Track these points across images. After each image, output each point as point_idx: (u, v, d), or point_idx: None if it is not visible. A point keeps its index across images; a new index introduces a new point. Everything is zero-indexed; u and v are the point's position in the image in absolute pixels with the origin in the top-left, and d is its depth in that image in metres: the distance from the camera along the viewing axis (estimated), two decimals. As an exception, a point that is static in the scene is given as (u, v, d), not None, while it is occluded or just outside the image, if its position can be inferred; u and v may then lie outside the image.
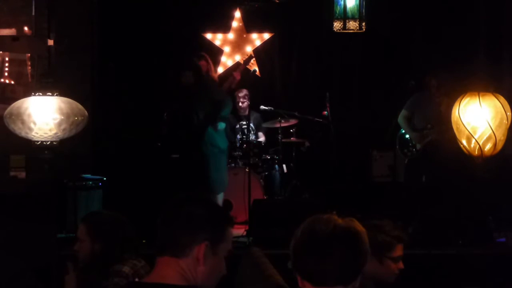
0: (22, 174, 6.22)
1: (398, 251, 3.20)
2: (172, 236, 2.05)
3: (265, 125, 8.04)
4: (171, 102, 7.24)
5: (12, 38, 6.64)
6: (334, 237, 2.00)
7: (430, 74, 6.89)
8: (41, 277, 4.76)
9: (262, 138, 8.11)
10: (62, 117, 4.47)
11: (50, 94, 4.53)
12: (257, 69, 8.40)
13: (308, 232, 2.04)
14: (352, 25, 5.95)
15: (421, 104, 6.86)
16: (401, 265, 3.22)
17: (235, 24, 8.87)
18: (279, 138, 7.78)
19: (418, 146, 6.81)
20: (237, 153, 7.58)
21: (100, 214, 3.40)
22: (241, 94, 8.00)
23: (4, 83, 6.84)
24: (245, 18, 8.86)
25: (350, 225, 2.05)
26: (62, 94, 4.62)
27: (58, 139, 4.55)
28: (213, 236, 2.06)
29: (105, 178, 6.79)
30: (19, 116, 4.42)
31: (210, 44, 8.82)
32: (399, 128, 7.03)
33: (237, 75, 7.09)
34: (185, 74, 6.65)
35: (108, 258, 3.12)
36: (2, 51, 6.77)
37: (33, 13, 6.66)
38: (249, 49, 8.87)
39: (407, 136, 6.95)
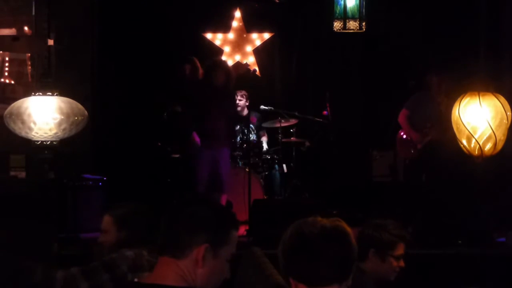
0: (22, 174, 6.22)
1: (400, 249, 3.30)
2: (173, 236, 2.04)
3: (265, 125, 8.01)
4: (171, 102, 7.24)
5: (12, 38, 6.65)
6: (324, 237, 2.02)
7: (431, 72, 6.90)
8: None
9: (264, 138, 8.09)
10: (62, 117, 4.48)
11: (50, 94, 4.54)
12: (257, 69, 8.38)
13: (297, 235, 2.05)
14: (352, 25, 5.95)
15: (422, 103, 6.85)
16: (402, 263, 3.30)
17: (235, 24, 8.87)
18: (279, 138, 7.77)
19: (418, 146, 6.80)
20: (237, 153, 7.57)
21: (124, 205, 3.48)
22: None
23: (4, 83, 6.84)
24: (245, 18, 8.86)
25: (337, 224, 2.07)
26: (62, 94, 4.64)
27: (58, 139, 4.56)
28: (215, 238, 2.04)
29: (105, 178, 6.78)
30: (19, 116, 4.43)
31: (210, 44, 8.83)
32: (399, 128, 7.03)
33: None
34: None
35: (132, 243, 3.20)
36: (2, 51, 6.78)
37: (33, 13, 6.66)
38: (249, 49, 8.87)
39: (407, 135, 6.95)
